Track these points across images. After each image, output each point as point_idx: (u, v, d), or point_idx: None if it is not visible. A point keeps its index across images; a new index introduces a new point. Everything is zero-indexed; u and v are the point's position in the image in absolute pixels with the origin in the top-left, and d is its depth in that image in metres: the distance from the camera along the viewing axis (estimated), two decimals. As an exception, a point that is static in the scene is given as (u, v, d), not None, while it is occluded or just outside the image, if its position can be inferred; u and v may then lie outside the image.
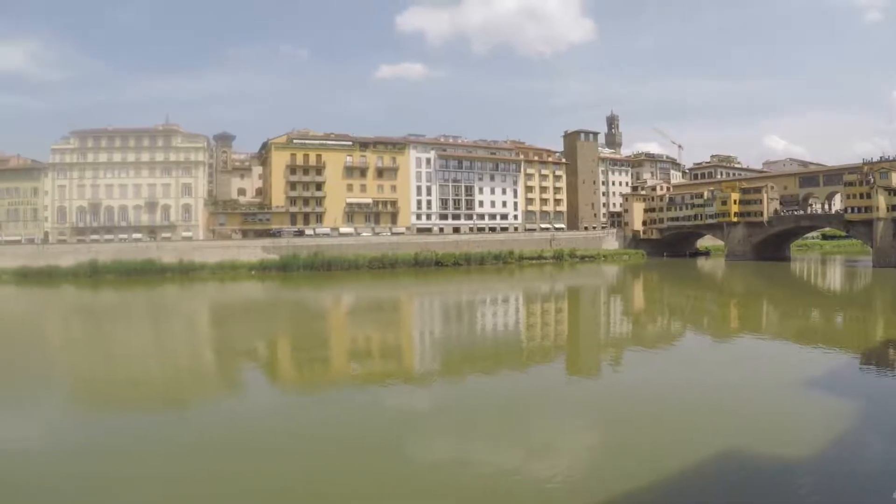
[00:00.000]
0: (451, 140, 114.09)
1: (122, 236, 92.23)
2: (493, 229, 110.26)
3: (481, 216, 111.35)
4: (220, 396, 24.62)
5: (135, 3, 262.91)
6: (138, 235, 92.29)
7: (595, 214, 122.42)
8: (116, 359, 32.76)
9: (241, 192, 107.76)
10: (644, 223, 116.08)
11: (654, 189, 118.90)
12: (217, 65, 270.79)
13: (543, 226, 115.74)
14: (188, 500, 14.05)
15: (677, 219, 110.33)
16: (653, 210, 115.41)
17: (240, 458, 16.25)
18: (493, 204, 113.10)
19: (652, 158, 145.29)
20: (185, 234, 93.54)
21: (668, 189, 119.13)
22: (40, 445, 17.74)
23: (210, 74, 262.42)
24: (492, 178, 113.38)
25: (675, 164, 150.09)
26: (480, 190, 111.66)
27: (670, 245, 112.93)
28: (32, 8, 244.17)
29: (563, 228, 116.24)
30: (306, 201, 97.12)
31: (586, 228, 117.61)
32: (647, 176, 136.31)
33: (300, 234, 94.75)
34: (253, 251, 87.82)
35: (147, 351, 35.51)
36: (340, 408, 21.45)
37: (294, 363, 32.10)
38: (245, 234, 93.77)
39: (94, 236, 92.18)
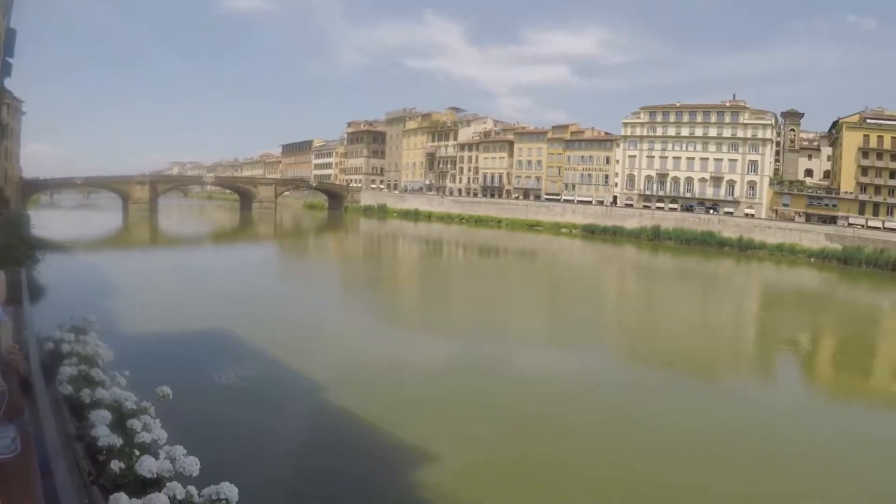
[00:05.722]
0: None
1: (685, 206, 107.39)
2: None
3: None
4: (746, 377, 25.22)
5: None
6: (700, 207, 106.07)
7: None
8: (659, 317, 36.63)
9: (808, 172, 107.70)
10: None
11: None
12: (783, 39, 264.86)
13: None
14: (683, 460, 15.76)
15: None
16: None
17: (735, 447, 16.76)
18: None
19: None
20: (746, 210, 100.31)
21: None
22: (584, 380, 22.13)
23: (776, 50, 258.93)
24: None
25: None
26: None
27: None
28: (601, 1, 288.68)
29: None
30: (878, 189, 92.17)
31: None
32: None
33: (868, 225, 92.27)
34: (815, 237, 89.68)
35: (689, 316, 38.18)
36: (870, 422, 20.22)
37: (832, 365, 30.26)
38: (808, 218, 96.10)
39: (659, 204, 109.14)
